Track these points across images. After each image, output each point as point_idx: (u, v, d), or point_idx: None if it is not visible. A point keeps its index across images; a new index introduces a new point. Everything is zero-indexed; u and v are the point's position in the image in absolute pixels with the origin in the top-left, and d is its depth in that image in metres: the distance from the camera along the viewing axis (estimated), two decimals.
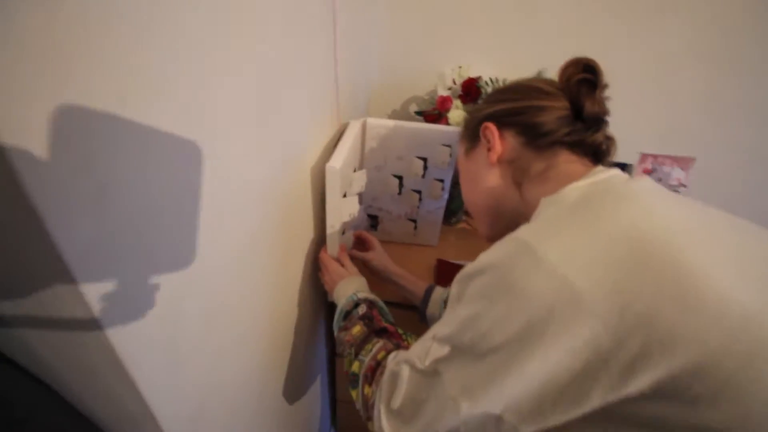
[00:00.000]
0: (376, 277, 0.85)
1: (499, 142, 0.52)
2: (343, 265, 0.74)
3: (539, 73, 1.04)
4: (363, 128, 0.88)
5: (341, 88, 0.81)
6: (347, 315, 0.65)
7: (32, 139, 0.20)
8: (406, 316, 0.87)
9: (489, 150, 0.53)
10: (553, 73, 1.01)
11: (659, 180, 1.25)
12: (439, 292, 0.79)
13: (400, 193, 0.97)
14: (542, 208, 0.45)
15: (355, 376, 0.56)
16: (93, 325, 0.27)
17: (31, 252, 0.23)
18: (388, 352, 0.54)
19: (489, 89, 1.02)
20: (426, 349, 0.45)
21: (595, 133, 0.50)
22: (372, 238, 0.88)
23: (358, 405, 0.55)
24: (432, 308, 0.78)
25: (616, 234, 0.36)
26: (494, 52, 1.13)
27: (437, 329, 0.45)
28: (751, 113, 1.12)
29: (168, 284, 0.34)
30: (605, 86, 0.50)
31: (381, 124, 0.87)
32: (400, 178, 0.95)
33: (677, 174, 1.27)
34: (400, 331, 0.61)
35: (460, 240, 1.12)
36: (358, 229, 0.93)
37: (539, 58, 1.09)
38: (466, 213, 1.20)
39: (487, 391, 0.38)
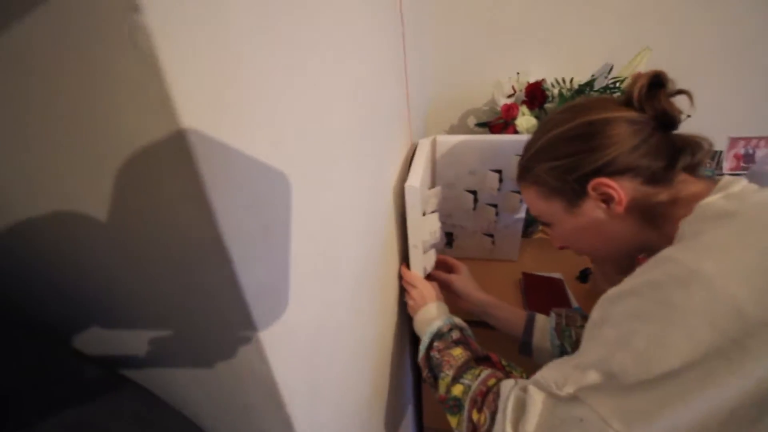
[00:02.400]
0: (461, 302, 0.81)
1: (622, 193, 0.49)
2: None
3: (611, 69, 1.00)
4: (433, 146, 0.88)
5: (411, 108, 0.82)
6: (441, 336, 0.63)
7: (218, 179, 0.21)
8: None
9: (607, 203, 0.51)
10: (620, 66, 0.97)
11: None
12: (543, 320, 0.73)
13: (474, 208, 0.95)
14: (683, 228, 0.44)
15: (458, 400, 0.53)
16: (261, 361, 0.28)
17: (217, 293, 0.24)
18: (499, 380, 0.52)
19: (556, 91, 0.99)
20: (565, 375, 0.42)
21: (702, 152, 0.49)
22: (458, 264, 0.84)
23: (461, 431, 0.52)
24: (540, 340, 0.71)
25: None
26: (551, 52, 1.10)
27: (580, 356, 0.43)
28: None
29: (312, 316, 0.34)
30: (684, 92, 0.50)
31: (451, 139, 0.87)
32: (474, 192, 0.93)
33: None
34: (503, 362, 0.58)
35: (541, 251, 1.07)
36: (437, 247, 0.92)
37: (602, 51, 1.04)
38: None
39: (650, 422, 0.36)
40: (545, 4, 1.03)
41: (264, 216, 0.26)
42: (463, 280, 0.81)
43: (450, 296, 0.79)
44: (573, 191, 0.53)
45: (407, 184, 0.66)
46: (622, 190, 0.49)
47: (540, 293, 0.89)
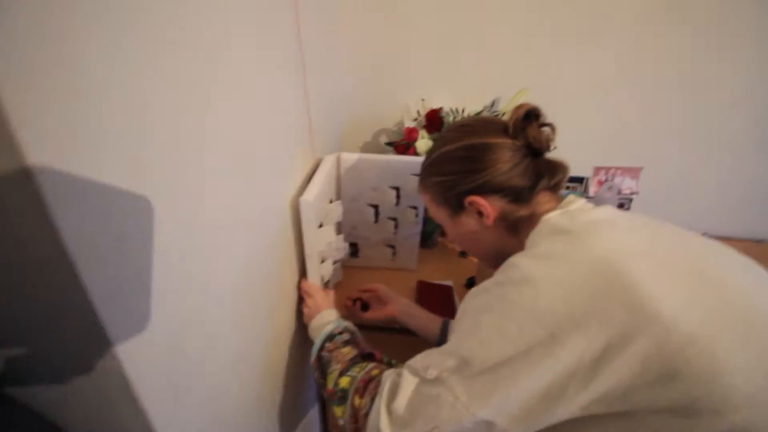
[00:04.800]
0: (383, 310, 0.90)
1: (490, 209, 0.58)
2: None
3: (493, 102, 1.15)
4: (338, 162, 0.94)
5: (314, 126, 0.87)
6: (333, 338, 0.68)
7: (69, 192, 0.25)
8: (390, 340, 0.90)
9: (481, 215, 0.60)
10: (506, 99, 1.12)
11: (610, 189, 1.36)
12: None
13: (376, 221, 1.03)
14: (530, 239, 0.55)
15: (344, 391, 0.59)
16: (112, 359, 0.30)
17: (61, 297, 0.27)
18: (382, 371, 0.58)
19: (451, 119, 1.11)
20: (431, 361, 0.50)
21: (559, 175, 0.58)
22: (387, 292, 0.92)
23: (344, 419, 0.58)
24: None
25: (581, 259, 0.45)
26: (452, 83, 1.23)
27: (445, 345, 0.51)
28: (686, 120, 1.25)
29: (171, 319, 0.37)
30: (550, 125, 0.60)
31: (354, 157, 0.94)
32: (375, 207, 1.01)
33: (628, 183, 1.39)
34: (385, 359, 0.65)
35: (438, 261, 1.18)
36: (341, 256, 0.97)
37: (492, 86, 1.20)
38: (442, 234, 1.26)
39: (489, 397, 0.44)
40: (444, 43, 1.17)
41: (117, 225, 0.29)
42: (401, 306, 0.89)
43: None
44: (453, 205, 0.62)
45: (301, 198, 0.71)
46: (491, 206, 0.58)
47: (430, 299, 0.98)
